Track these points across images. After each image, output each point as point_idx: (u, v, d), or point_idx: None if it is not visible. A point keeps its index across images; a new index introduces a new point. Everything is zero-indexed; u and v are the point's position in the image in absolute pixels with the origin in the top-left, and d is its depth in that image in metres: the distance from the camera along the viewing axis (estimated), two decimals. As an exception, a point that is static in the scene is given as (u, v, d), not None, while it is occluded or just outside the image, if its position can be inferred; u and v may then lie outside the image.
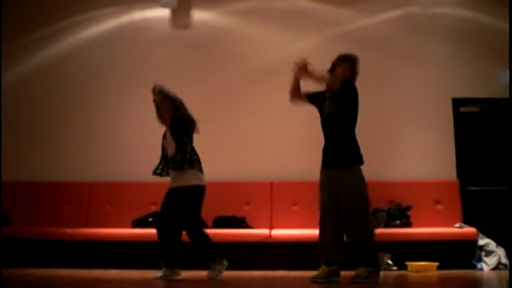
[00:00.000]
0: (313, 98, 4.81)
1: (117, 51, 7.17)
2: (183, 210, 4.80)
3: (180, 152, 4.83)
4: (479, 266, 5.82)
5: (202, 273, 4.83)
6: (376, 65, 6.89)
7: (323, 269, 4.44)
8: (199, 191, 4.86)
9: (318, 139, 4.81)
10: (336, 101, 4.62)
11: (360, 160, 4.61)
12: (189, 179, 4.83)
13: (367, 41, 6.99)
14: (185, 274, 4.91)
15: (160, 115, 5.04)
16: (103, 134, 7.01)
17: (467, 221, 6.26)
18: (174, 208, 4.82)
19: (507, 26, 6.49)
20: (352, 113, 4.64)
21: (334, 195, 4.53)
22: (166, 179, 4.99)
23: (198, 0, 7.24)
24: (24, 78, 7.15)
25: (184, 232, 4.86)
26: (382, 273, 4.58)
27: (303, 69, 4.56)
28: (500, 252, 5.90)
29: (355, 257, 4.46)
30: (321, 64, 7.07)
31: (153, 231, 4.92)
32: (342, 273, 4.52)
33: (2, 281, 4.38)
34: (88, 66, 7.14)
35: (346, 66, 4.72)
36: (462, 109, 6.88)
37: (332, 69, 4.78)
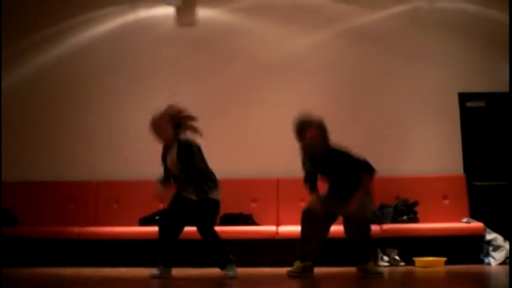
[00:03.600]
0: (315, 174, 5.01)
1: (122, 50, 7.18)
2: (199, 221, 4.74)
3: (193, 181, 4.78)
4: (486, 260, 5.81)
5: (203, 271, 4.84)
6: (381, 60, 6.89)
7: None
8: (213, 204, 4.82)
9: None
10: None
11: None
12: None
13: (372, 36, 6.98)
14: (188, 272, 4.92)
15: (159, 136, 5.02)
16: (110, 133, 7.02)
17: (474, 215, 6.25)
18: (187, 216, 4.76)
19: (512, 20, 6.47)
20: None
21: None
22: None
23: (202, -3, 7.25)
24: (29, 77, 7.17)
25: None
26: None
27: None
28: (508, 246, 5.88)
29: None
30: (325, 60, 7.08)
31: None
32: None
33: (10, 280, 4.40)
34: (93, 64, 7.16)
35: (317, 132, 4.67)
36: (468, 104, 6.86)
37: (301, 132, 4.72)
